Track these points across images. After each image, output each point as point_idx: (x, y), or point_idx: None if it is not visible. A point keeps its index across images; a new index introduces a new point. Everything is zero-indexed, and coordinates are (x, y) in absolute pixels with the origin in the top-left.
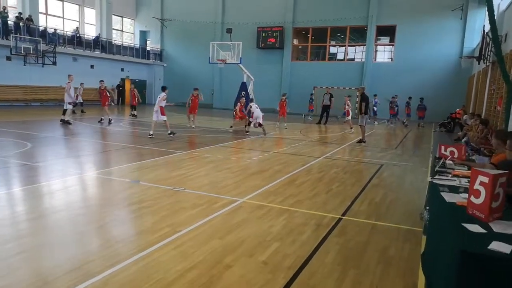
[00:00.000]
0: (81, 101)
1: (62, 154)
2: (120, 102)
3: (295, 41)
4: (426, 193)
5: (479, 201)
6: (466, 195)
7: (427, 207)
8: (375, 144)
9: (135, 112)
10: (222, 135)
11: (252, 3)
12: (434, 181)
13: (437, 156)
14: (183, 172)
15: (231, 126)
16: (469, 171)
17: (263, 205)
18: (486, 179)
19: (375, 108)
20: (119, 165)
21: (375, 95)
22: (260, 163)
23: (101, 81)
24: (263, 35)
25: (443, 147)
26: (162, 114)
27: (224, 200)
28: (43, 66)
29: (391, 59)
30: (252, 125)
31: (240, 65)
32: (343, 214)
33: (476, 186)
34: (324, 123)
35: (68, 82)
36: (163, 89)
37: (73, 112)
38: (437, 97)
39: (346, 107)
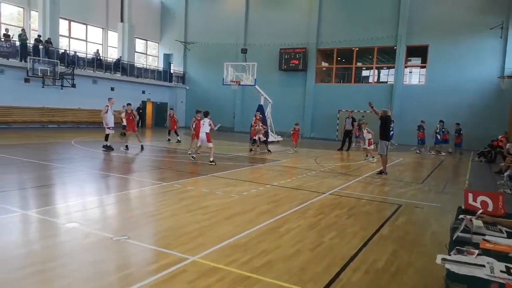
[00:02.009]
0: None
1: (13, 185)
2: (140, 125)
3: (321, 63)
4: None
5: None
6: None
7: None
8: (398, 177)
9: (179, 138)
10: (226, 162)
11: (274, 24)
12: (447, 266)
13: (463, 208)
14: (147, 211)
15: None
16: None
17: (216, 268)
18: None
19: (439, 136)
20: (73, 201)
21: (440, 121)
22: (247, 200)
23: (129, 104)
24: (286, 56)
25: (471, 196)
26: (209, 141)
27: (167, 258)
28: (62, 88)
29: (423, 81)
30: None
31: (256, 86)
32: None
33: None
34: (347, 149)
35: (106, 105)
36: (206, 114)
37: (123, 134)
38: (474, 122)
39: (366, 133)
